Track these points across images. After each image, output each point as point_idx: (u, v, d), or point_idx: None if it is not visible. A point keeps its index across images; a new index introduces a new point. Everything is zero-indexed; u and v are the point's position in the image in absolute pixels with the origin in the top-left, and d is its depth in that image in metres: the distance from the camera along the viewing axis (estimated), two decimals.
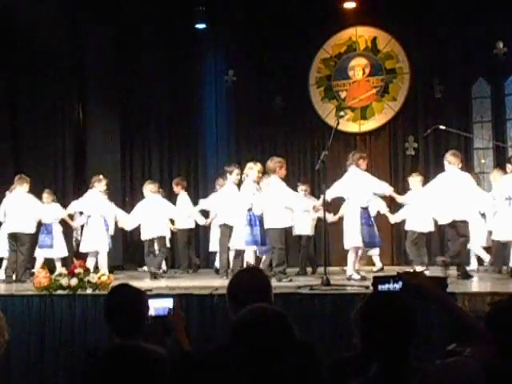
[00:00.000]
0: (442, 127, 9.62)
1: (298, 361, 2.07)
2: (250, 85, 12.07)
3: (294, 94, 11.92)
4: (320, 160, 7.46)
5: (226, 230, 8.82)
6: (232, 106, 12.35)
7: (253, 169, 8.54)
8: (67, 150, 11.95)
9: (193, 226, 10.74)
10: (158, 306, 3.15)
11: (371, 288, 2.64)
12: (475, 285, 7.08)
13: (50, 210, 9.98)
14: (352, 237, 7.90)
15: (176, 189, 10.84)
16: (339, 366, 2.78)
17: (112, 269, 9.63)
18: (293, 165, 11.77)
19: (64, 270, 7.17)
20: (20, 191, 9.33)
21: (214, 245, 9.98)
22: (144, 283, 7.86)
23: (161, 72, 12.24)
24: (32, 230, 9.43)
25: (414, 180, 9.28)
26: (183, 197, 10.76)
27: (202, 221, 10.39)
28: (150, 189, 9.74)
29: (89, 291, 6.70)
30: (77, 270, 6.86)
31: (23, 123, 11.64)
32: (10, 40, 10.92)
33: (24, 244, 9.19)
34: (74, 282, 6.74)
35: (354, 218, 7.90)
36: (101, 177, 9.68)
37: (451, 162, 7.84)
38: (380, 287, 2.57)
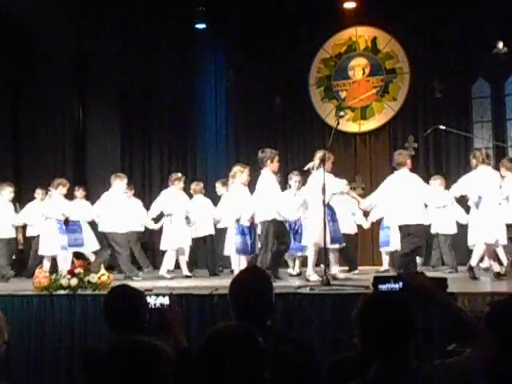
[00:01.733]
0: (441, 127, 9.62)
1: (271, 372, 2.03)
2: (250, 85, 12.06)
3: (294, 94, 11.91)
4: (320, 160, 7.45)
5: (270, 226, 7.84)
6: (232, 106, 12.35)
7: (329, 160, 7.91)
8: (67, 150, 11.96)
9: (142, 229, 10.58)
10: (154, 303, 3.15)
11: (371, 288, 2.64)
12: (475, 285, 7.07)
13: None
14: (497, 232, 7.66)
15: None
16: (339, 366, 2.78)
17: (110, 269, 9.63)
18: (293, 165, 11.77)
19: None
20: (117, 188, 9.34)
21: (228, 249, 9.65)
22: (143, 283, 7.85)
23: (161, 72, 12.25)
24: (127, 229, 9.38)
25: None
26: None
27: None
28: (192, 189, 9.99)
29: (89, 291, 6.70)
30: (77, 270, 6.86)
31: (23, 123, 11.65)
32: (10, 40, 10.93)
33: (121, 243, 9.08)
34: (73, 281, 6.73)
35: (495, 214, 7.62)
36: (179, 175, 9.71)
37: (508, 167, 8.24)
38: (380, 287, 2.58)
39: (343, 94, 11.85)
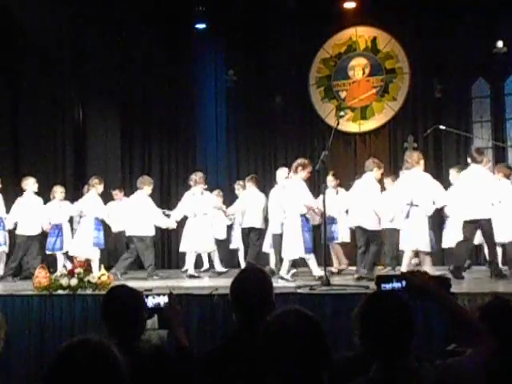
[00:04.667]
0: (441, 127, 9.63)
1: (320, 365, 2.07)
2: (250, 85, 12.06)
3: (294, 94, 11.92)
4: (320, 160, 7.45)
5: None
6: (232, 106, 12.35)
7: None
8: (67, 150, 11.95)
9: None
10: (153, 303, 3.15)
11: (372, 288, 2.64)
12: (475, 285, 7.07)
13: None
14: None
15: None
16: (339, 366, 2.78)
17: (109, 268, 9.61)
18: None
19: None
20: (253, 189, 9.83)
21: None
22: (143, 283, 7.84)
23: (161, 72, 12.24)
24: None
25: None
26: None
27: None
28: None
29: (89, 291, 6.70)
30: (77, 270, 6.85)
31: (23, 123, 11.63)
32: (10, 40, 10.91)
33: (258, 237, 9.76)
34: (73, 282, 6.73)
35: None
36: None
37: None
38: (383, 286, 2.57)
39: (343, 94, 11.85)
